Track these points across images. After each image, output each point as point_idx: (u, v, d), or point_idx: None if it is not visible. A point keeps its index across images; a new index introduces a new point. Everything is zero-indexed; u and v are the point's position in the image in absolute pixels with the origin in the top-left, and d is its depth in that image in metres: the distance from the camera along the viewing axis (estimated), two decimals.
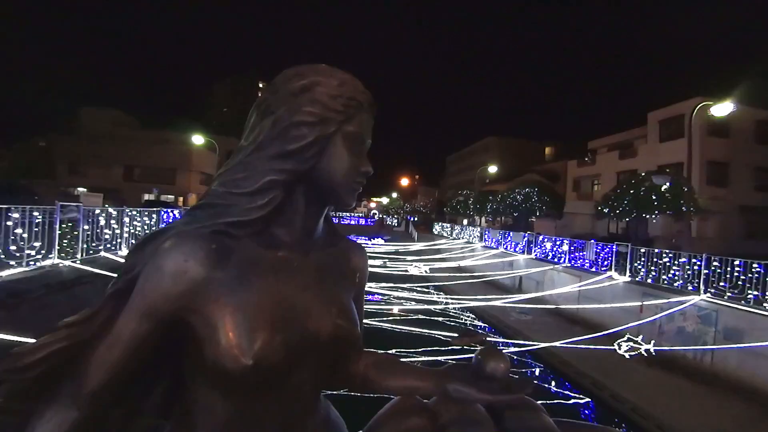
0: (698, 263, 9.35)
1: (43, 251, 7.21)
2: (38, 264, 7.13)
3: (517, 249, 18.02)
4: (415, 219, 45.88)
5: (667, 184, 12.52)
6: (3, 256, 6.58)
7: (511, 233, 19.51)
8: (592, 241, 13.79)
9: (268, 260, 0.64)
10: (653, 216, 14.12)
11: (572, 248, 14.22)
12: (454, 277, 15.72)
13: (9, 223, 6.79)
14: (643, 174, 14.51)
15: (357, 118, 0.65)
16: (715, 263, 8.94)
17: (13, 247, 6.77)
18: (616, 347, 7.03)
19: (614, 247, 12.20)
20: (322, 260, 0.71)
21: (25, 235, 6.89)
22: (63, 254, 7.78)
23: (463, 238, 25.98)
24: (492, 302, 11.47)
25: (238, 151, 0.66)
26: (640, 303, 9.81)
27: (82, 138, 32.51)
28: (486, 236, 22.40)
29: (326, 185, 0.66)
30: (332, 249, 0.75)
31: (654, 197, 13.39)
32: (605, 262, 12.53)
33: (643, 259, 10.95)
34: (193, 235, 0.59)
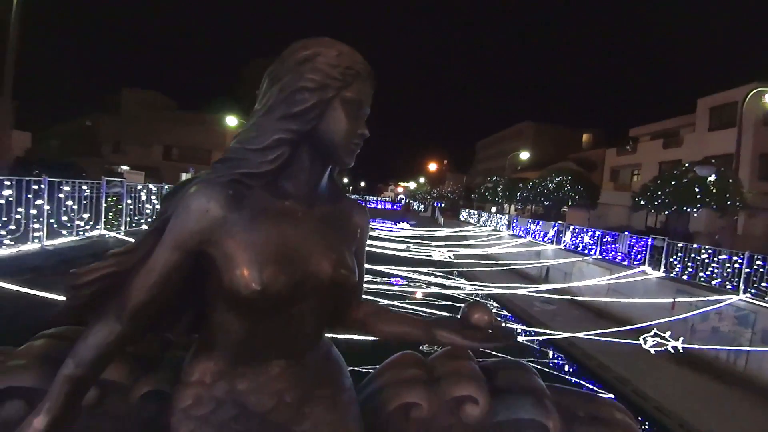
0: (740, 261, 8.83)
1: (91, 222, 7.80)
2: (87, 234, 7.73)
3: (546, 239, 17.59)
4: (442, 205, 45.39)
5: (712, 176, 11.74)
6: (56, 226, 7.18)
7: (540, 222, 19.02)
8: (626, 233, 13.24)
9: (276, 208, 0.74)
10: (695, 210, 13.32)
11: (604, 240, 13.72)
12: (479, 264, 15.61)
13: (61, 195, 7.37)
14: (687, 165, 13.63)
15: (354, 85, 0.74)
16: (758, 262, 8.42)
17: (64, 218, 7.36)
18: (641, 342, 6.84)
19: (649, 240, 11.68)
20: (325, 213, 0.81)
21: (75, 207, 7.47)
22: (109, 226, 8.39)
23: (490, 225, 25.58)
24: (515, 290, 11.37)
25: (252, 115, 0.76)
26: (672, 300, 9.41)
27: (124, 118, 34.13)
28: (514, 224, 21.94)
29: (326, 145, 0.75)
30: (335, 205, 0.84)
31: (697, 190, 12.59)
32: (639, 256, 12.04)
33: (679, 254, 10.44)
34: (213, 182, 0.70)
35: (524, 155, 31.34)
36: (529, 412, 0.86)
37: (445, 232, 24.22)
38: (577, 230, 15.71)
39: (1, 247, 6.20)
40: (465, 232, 24.25)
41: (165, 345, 0.93)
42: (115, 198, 8.94)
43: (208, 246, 0.69)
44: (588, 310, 11.98)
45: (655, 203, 14.03)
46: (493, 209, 32.97)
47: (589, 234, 14.69)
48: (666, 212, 14.92)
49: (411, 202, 54.74)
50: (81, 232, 7.63)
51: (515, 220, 22.36)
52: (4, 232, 6.27)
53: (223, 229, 0.69)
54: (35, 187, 6.81)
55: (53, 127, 29.15)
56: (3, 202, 6.36)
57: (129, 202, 9.13)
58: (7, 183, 6.41)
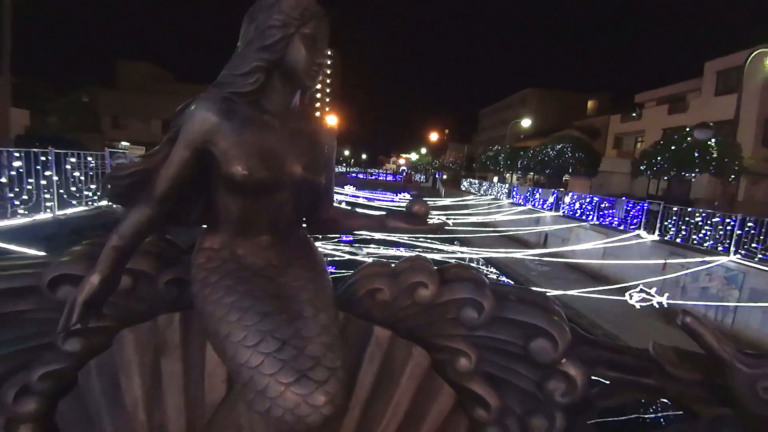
0: (732, 223, 9.02)
1: (98, 193, 8.05)
2: (95, 204, 8.02)
3: (545, 206, 17.77)
4: (444, 176, 45.27)
5: (713, 140, 11.72)
6: (66, 196, 7.45)
7: (540, 190, 19.13)
8: (623, 198, 13.39)
9: (258, 120, 0.97)
10: (693, 175, 13.37)
11: (602, 206, 13.89)
12: (478, 231, 15.89)
13: (68, 167, 7.60)
14: (688, 129, 13.54)
15: (311, 23, 0.94)
16: (749, 224, 8.61)
17: (73, 189, 7.62)
18: (627, 297, 7.16)
19: (645, 204, 11.85)
20: (298, 128, 1.04)
21: (83, 178, 7.72)
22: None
23: (490, 194, 25.70)
24: (512, 254, 11.67)
25: (236, 49, 0.97)
26: (663, 261, 9.69)
27: (120, 92, 33.73)
28: (514, 193, 22.06)
29: (292, 70, 0.97)
30: (307, 124, 1.07)
31: (697, 154, 12.59)
32: (635, 221, 12.24)
33: (674, 218, 10.63)
34: (210, 98, 0.93)
35: (526, 123, 30.89)
36: (468, 293, 1.10)
37: (446, 201, 24.39)
38: (575, 197, 15.85)
39: (16, 217, 6.49)
40: (466, 201, 24.42)
41: (180, 250, 1.17)
42: None
43: (209, 145, 0.93)
44: (584, 274, 12.33)
45: (654, 168, 14.05)
46: (495, 179, 32.94)
47: (587, 200, 14.84)
48: (665, 178, 14.97)
49: (412, 173, 54.63)
50: (90, 203, 7.91)
51: (515, 189, 22.45)
52: (18, 202, 6.54)
53: (219, 133, 0.92)
54: (43, 158, 7.02)
55: (50, 103, 28.83)
56: (14, 173, 6.60)
57: None
58: (17, 155, 6.63)
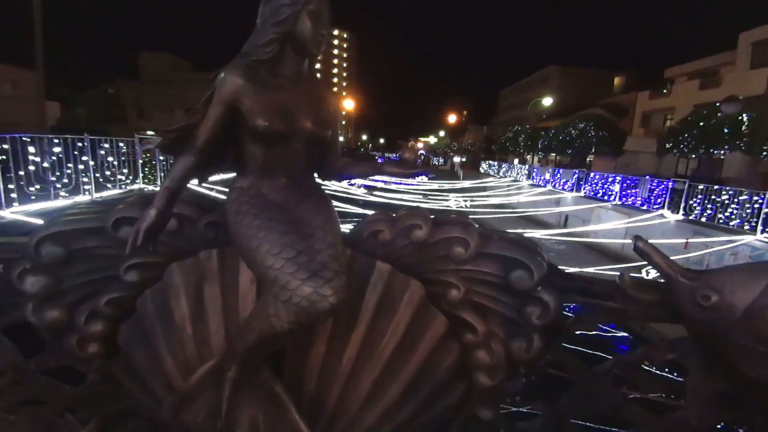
0: (760, 201, 8.74)
1: (131, 177, 8.56)
2: (128, 187, 8.53)
3: (566, 186, 17.49)
4: (464, 159, 44.70)
5: (744, 115, 11.21)
6: (102, 180, 7.96)
7: (561, 170, 18.79)
8: (647, 177, 13.05)
9: (274, 82, 1.18)
10: (722, 153, 12.85)
11: (624, 185, 13.60)
12: (495, 212, 15.84)
13: (102, 152, 8.09)
14: (717, 104, 12.95)
15: (315, 1, 1.14)
16: None
17: (107, 173, 8.13)
18: (644, 274, 7.14)
19: (670, 183, 11.54)
20: (307, 90, 1.24)
21: (116, 162, 8.21)
22: (146, 180, 9.15)
23: (510, 176, 25.39)
24: (527, 234, 11.65)
25: (256, 26, 1.18)
26: (685, 240, 9.51)
27: (143, 83, 34.75)
28: (534, 174, 21.74)
29: (300, 41, 1.17)
30: (315, 87, 1.28)
31: (726, 131, 12.09)
32: (659, 200, 11.97)
33: (700, 197, 10.34)
34: (237, 65, 1.14)
35: (547, 102, 29.98)
36: (457, 232, 1.27)
37: (464, 184, 24.27)
38: (597, 177, 15.53)
39: (58, 199, 7.02)
40: (484, 183, 24.24)
41: (215, 201, 1.39)
42: (148, 155, 9.63)
43: (237, 103, 1.14)
44: (603, 255, 12.21)
45: (681, 146, 13.58)
46: (516, 161, 32.34)
47: (610, 180, 14.53)
48: (693, 156, 14.43)
49: (431, 156, 54.26)
50: (123, 186, 8.42)
51: (535, 170, 22.09)
52: (59, 186, 7.06)
53: (245, 93, 1.13)
54: (79, 144, 7.51)
55: (78, 95, 30.00)
56: (55, 158, 7.11)
57: (161, 158, 9.81)
58: (56, 141, 7.13)
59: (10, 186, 6.43)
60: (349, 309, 1.22)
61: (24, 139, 6.65)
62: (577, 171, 17.07)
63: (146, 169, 9.35)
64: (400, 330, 1.27)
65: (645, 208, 12.33)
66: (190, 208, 1.31)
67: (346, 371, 1.22)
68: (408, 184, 23.88)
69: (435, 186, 22.41)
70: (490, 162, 32.46)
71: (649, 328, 7.27)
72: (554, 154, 27.12)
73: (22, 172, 6.56)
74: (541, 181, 20.32)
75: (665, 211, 11.41)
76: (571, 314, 1.28)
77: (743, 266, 0.96)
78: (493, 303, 1.31)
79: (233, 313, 1.23)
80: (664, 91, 26.01)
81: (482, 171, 32.78)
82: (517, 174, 24.44)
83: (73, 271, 1.30)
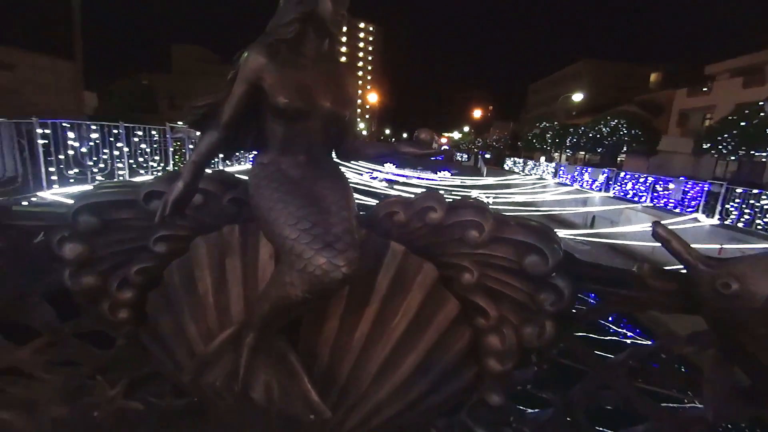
0: None
1: (162, 164, 8.91)
2: (160, 174, 8.91)
3: (594, 186, 16.94)
4: (487, 156, 43.86)
5: None
6: (135, 166, 8.33)
7: (589, 169, 18.21)
8: (682, 178, 12.48)
9: (295, 61, 1.22)
10: (764, 154, 12.12)
11: (656, 186, 13.05)
12: (519, 210, 15.54)
13: (135, 139, 8.45)
14: (760, 103, 12.19)
15: None
16: None
17: (140, 159, 8.49)
18: None
19: (706, 185, 11.00)
20: (326, 69, 1.27)
21: (148, 150, 8.56)
22: (176, 168, 9.51)
23: (535, 174, 24.81)
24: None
25: (278, 5, 1.22)
26: (719, 246, 9.06)
27: (175, 75, 35.88)
28: (560, 172, 21.16)
29: (321, 20, 1.20)
30: (334, 66, 1.31)
31: None
32: (693, 203, 11.44)
33: (737, 201, 9.82)
34: (260, 43, 1.18)
35: (577, 97, 28.94)
36: (471, 216, 1.28)
37: (488, 180, 23.90)
38: (627, 176, 14.97)
39: (94, 182, 7.40)
40: (508, 180, 23.79)
41: (236, 180, 1.45)
42: (178, 143, 9.99)
43: (260, 81, 1.18)
44: (631, 258, 11.79)
45: (720, 147, 12.89)
46: (542, 158, 31.51)
47: (641, 180, 13.98)
48: (733, 158, 13.69)
49: (454, 151, 53.68)
50: (155, 172, 8.77)
51: (562, 168, 21.49)
52: (96, 170, 7.44)
53: (267, 70, 1.17)
54: (115, 131, 7.87)
55: (113, 86, 31.25)
56: (92, 144, 7.48)
57: (191, 146, 10.16)
58: (93, 128, 7.50)
59: (51, 169, 6.83)
60: (363, 287, 1.25)
61: (64, 125, 7.03)
62: (606, 170, 16.51)
63: (176, 156, 9.71)
64: (411, 310, 1.29)
65: (678, 210, 11.82)
66: (215, 185, 1.37)
67: (358, 347, 1.25)
68: (429, 179, 23.75)
69: (457, 182, 22.19)
70: (515, 159, 31.77)
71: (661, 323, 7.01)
72: (583, 153, 26.28)
73: (62, 157, 6.95)
74: (567, 180, 19.76)
75: (699, 215, 10.90)
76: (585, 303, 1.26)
77: (765, 254, 0.93)
78: (507, 288, 1.31)
79: (252, 284, 1.28)
80: (704, 88, 24.66)
81: (506, 168, 32.15)
82: (543, 172, 23.85)
83: (107, 240, 1.38)
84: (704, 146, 13.55)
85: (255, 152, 1.33)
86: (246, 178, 1.33)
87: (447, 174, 28.39)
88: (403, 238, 1.33)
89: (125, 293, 1.42)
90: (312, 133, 1.25)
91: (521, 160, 29.61)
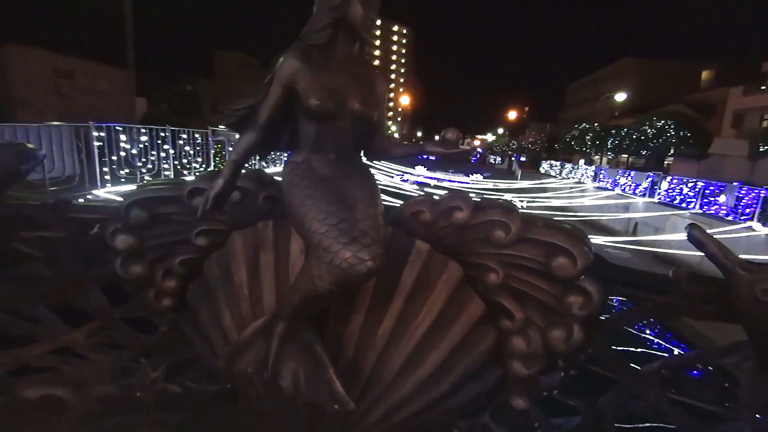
0: None
1: (204, 165, 9.40)
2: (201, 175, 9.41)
3: (638, 191, 16.08)
4: (522, 159, 42.62)
5: None
6: (179, 167, 8.84)
7: (632, 173, 17.30)
8: (736, 183, 11.60)
9: (327, 64, 1.27)
10: None
11: (707, 192, 12.21)
12: (554, 215, 15.03)
13: (180, 142, 8.96)
14: None
15: None
16: None
17: (184, 161, 9.00)
18: None
19: (762, 191, 10.17)
20: (356, 71, 1.33)
21: (192, 152, 9.06)
22: (217, 169, 10.04)
23: (573, 177, 23.88)
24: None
25: (313, 13, 1.28)
26: None
27: (218, 81, 37.62)
28: (601, 176, 20.24)
29: (352, 25, 1.26)
30: (365, 69, 1.37)
31: None
32: (748, 211, 10.61)
33: None
34: (295, 48, 1.25)
35: (620, 97, 27.53)
36: (498, 216, 1.28)
37: (522, 184, 23.27)
38: (675, 181, 14.10)
39: (143, 183, 7.93)
40: (544, 184, 23.05)
41: (271, 179, 1.53)
42: (219, 145, 10.50)
43: (294, 84, 1.25)
44: (674, 267, 11.07)
45: None
46: (581, 161, 30.23)
47: (689, 185, 13.12)
48: None
49: (487, 154, 52.64)
50: (197, 173, 9.26)
51: (602, 171, 20.55)
52: (144, 171, 7.96)
53: (301, 74, 1.24)
54: (162, 134, 8.39)
55: (161, 92, 33.21)
56: (141, 146, 8.01)
57: (230, 149, 10.65)
58: (143, 131, 8.04)
59: (104, 169, 7.37)
60: (387, 283, 1.28)
61: (117, 128, 7.58)
62: (651, 174, 15.62)
63: (217, 158, 10.21)
64: (435, 309, 1.31)
65: (731, 218, 10.99)
66: (252, 183, 1.46)
67: (382, 342, 1.29)
68: (461, 182, 23.44)
69: (489, 185, 21.78)
70: (552, 162, 30.69)
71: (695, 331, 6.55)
72: (626, 155, 24.99)
73: (114, 158, 7.49)
74: (608, 184, 18.87)
75: (754, 224, 10.09)
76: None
77: None
78: (533, 290, 1.30)
79: (284, 277, 1.35)
80: (762, 87, 22.78)
81: (542, 171, 31.14)
82: (582, 175, 22.92)
83: (154, 233, 1.50)
84: (761, 149, 12.51)
85: (287, 153, 1.40)
86: (279, 178, 1.41)
87: (479, 177, 27.92)
88: (429, 237, 1.35)
89: (169, 282, 1.53)
90: (341, 133, 1.30)
91: (558, 163, 28.57)
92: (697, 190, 12.66)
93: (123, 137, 7.62)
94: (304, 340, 1.22)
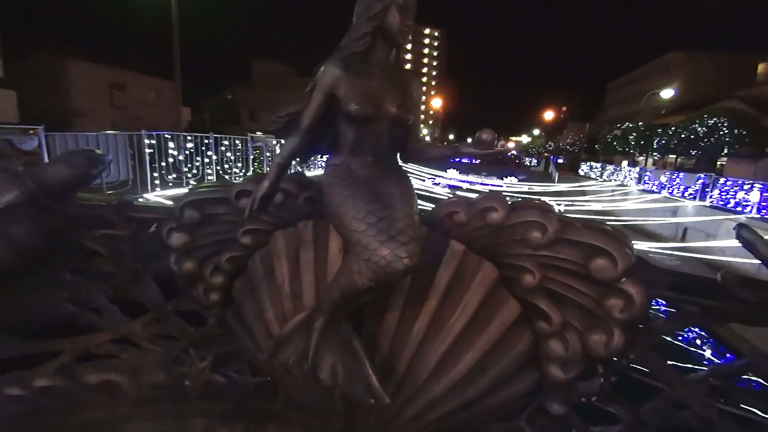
0: None
1: (243, 170, 9.84)
2: (240, 180, 9.88)
3: (687, 194, 15.08)
4: (559, 161, 41.03)
5: None
6: (221, 172, 9.30)
7: (681, 174, 16.25)
8: None
9: (366, 71, 1.33)
10: None
11: (766, 195, 11.25)
12: (594, 219, 14.37)
13: (222, 148, 9.43)
14: None
15: None
16: None
17: (226, 166, 9.46)
18: None
19: None
20: (392, 77, 1.38)
21: (232, 157, 9.51)
22: (255, 174, 10.49)
23: (615, 180, 22.75)
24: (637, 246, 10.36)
25: (352, 23, 1.34)
26: None
27: (256, 89, 39.17)
28: (646, 178, 19.14)
29: (389, 33, 1.32)
30: (401, 74, 1.42)
31: None
32: None
33: None
34: (336, 57, 1.32)
35: (667, 94, 25.81)
36: (534, 216, 1.27)
37: (560, 187, 22.46)
38: (729, 183, 13.10)
39: (188, 186, 8.42)
40: (583, 187, 22.11)
41: (311, 181, 1.60)
42: (257, 151, 10.95)
43: (335, 90, 1.32)
44: None
45: None
46: (624, 162, 28.68)
47: (747, 187, 12.14)
48: None
49: (522, 156, 51.25)
50: (237, 178, 9.72)
51: (648, 173, 19.43)
52: (190, 175, 8.44)
53: (341, 81, 1.31)
54: (206, 141, 8.87)
55: (203, 101, 35.10)
56: (187, 153, 8.51)
57: (268, 154, 11.08)
58: (189, 138, 8.54)
59: (154, 174, 7.88)
60: (423, 282, 1.31)
61: (166, 136, 8.10)
62: (702, 175, 14.61)
63: (255, 163, 10.66)
64: (470, 309, 1.32)
65: None
66: (293, 185, 1.54)
67: (417, 340, 1.32)
68: (494, 185, 22.97)
69: (524, 188, 21.20)
70: (592, 164, 29.38)
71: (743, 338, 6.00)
72: (674, 156, 23.50)
73: (163, 164, 8.00)
74: (654, 186, 17.82)
75: None
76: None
77: None
78: (571, 292, 1.28)
79: (323, 275, 1.41)
80: None
81: (581, 174, 29.88)
82: (625, 177, 21.79)
83: (204, 232, 1.62)
84: None
85: (327, 156, 1.47)
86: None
87: (514, 179, 27.25)
88: (463, 238, 1.37)
89: (217, 278, 1.64)
90: (378, 136, 1.36)
91: (599, 165, 27.32)
92: (755, 193, 11.69)
93: (171, 144, 8.14)
94: (342, 335, 1.27)
